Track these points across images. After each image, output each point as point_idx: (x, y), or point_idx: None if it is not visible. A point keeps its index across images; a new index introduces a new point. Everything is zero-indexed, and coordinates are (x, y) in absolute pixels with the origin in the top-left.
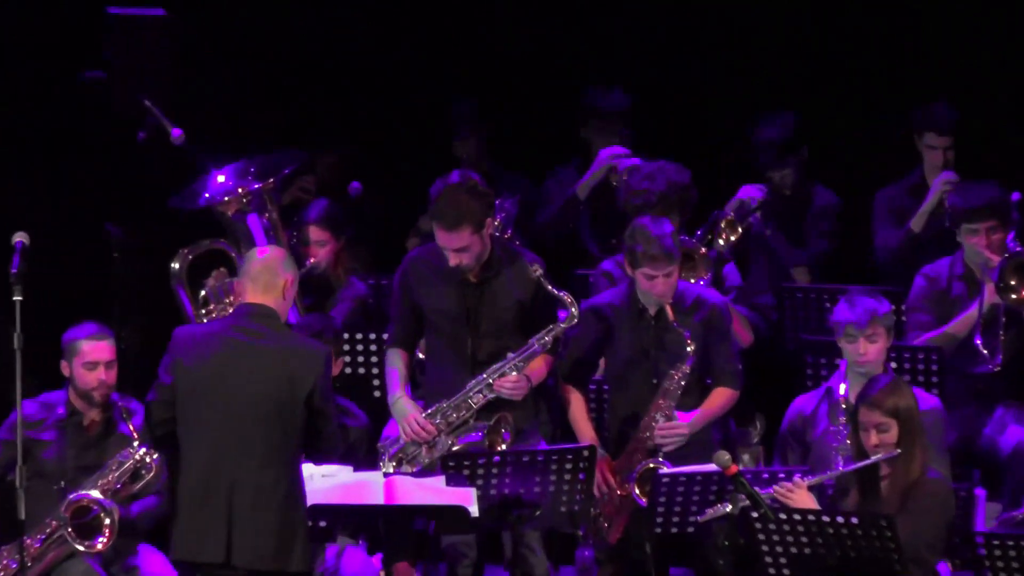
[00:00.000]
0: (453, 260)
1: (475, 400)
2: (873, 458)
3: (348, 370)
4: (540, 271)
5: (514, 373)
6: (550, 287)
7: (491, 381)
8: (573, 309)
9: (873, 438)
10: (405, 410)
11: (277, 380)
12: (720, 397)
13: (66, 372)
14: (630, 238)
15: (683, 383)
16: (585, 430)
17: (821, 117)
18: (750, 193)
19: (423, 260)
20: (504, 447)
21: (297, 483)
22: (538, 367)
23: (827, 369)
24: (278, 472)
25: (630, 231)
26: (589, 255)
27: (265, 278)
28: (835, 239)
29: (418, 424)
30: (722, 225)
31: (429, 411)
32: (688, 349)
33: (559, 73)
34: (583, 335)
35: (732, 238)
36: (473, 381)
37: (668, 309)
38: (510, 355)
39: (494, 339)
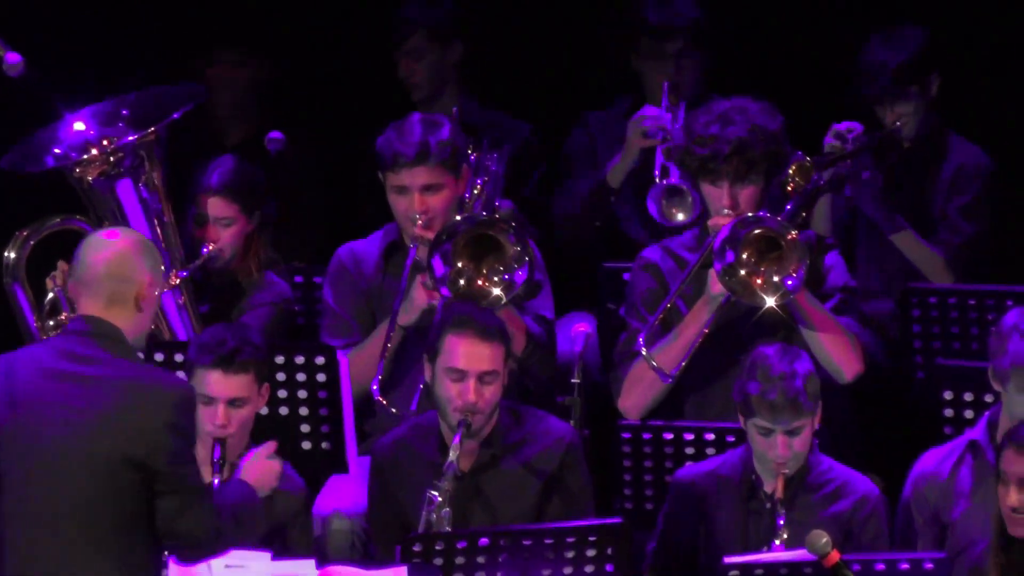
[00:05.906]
0: (473, 396)
1: None
2: None
3: (265, 408)
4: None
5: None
6: None
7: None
8: None
9: (1012, 496)
10: None
11: (108, 434)
12: None
13: None
14: (747, 373)
15: None
16: None
17: (962, 34)
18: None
19: (411, 435)
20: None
21: None
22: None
23: (975, 409)
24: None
25: (749, 362)
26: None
27: (103, 280)
28: (982, 219)
29: None
30: (791, 170)
31: None
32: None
33: None
34: (674, 516)
35: (801, 182)
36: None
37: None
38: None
39: None
